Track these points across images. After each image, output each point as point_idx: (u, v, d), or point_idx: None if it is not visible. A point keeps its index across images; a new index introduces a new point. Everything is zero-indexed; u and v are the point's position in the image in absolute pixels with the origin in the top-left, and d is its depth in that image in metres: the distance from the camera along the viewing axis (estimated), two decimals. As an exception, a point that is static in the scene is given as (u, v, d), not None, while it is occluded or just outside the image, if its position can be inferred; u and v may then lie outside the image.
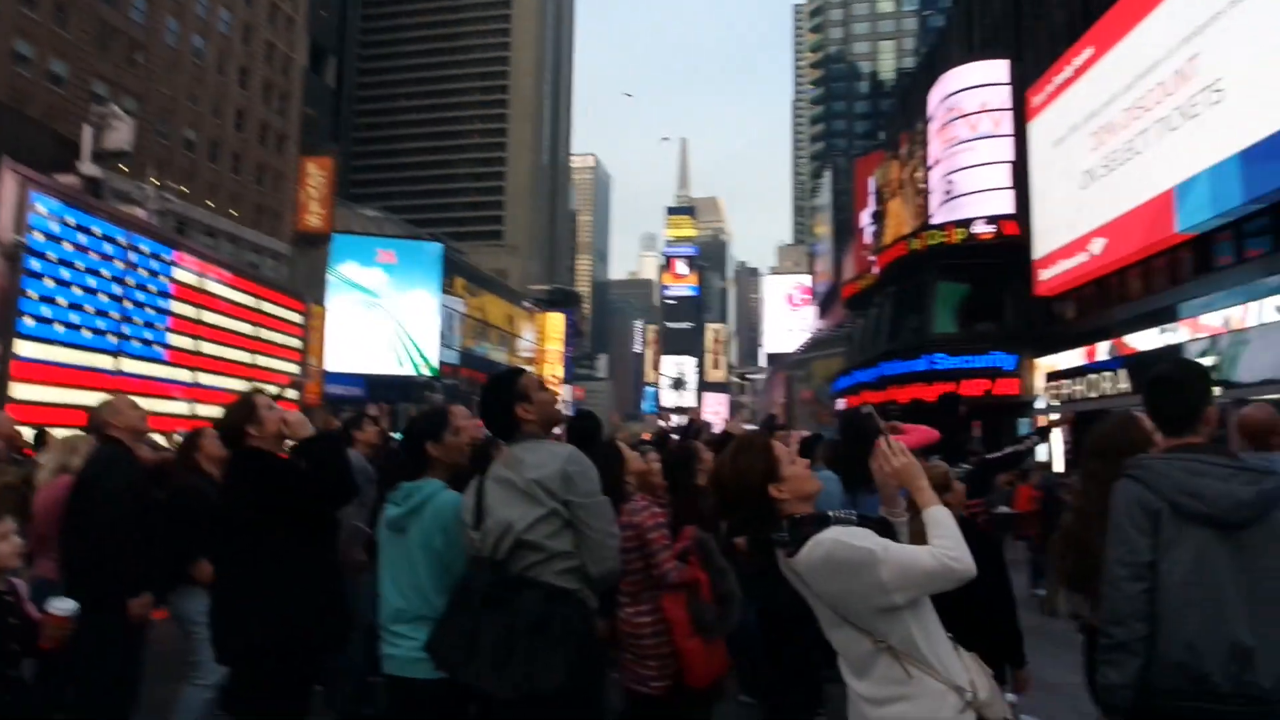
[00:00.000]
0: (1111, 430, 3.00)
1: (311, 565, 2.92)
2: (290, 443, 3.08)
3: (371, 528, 3.57)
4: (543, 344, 71.81)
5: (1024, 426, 22.83)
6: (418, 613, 2.70)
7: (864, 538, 1.84)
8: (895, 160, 33.70)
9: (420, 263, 47.95)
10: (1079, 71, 20.64)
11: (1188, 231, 16.39)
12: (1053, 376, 21.61)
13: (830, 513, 1.93)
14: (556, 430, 3.45)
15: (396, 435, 5.75)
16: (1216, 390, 12.71)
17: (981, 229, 24.92)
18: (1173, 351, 16.61)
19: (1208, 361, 15.53)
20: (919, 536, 1.90)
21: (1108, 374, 18.57)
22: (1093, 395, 18.70)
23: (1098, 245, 19.49)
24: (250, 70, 41.43)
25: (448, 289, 51.36)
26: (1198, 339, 15.97)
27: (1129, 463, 2.23)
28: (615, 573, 2.62)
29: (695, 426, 5.94)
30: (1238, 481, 2.06)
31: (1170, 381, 2.27)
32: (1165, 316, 17.21)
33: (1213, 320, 15.65)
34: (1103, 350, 19.45)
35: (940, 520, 1.87)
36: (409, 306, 46.48)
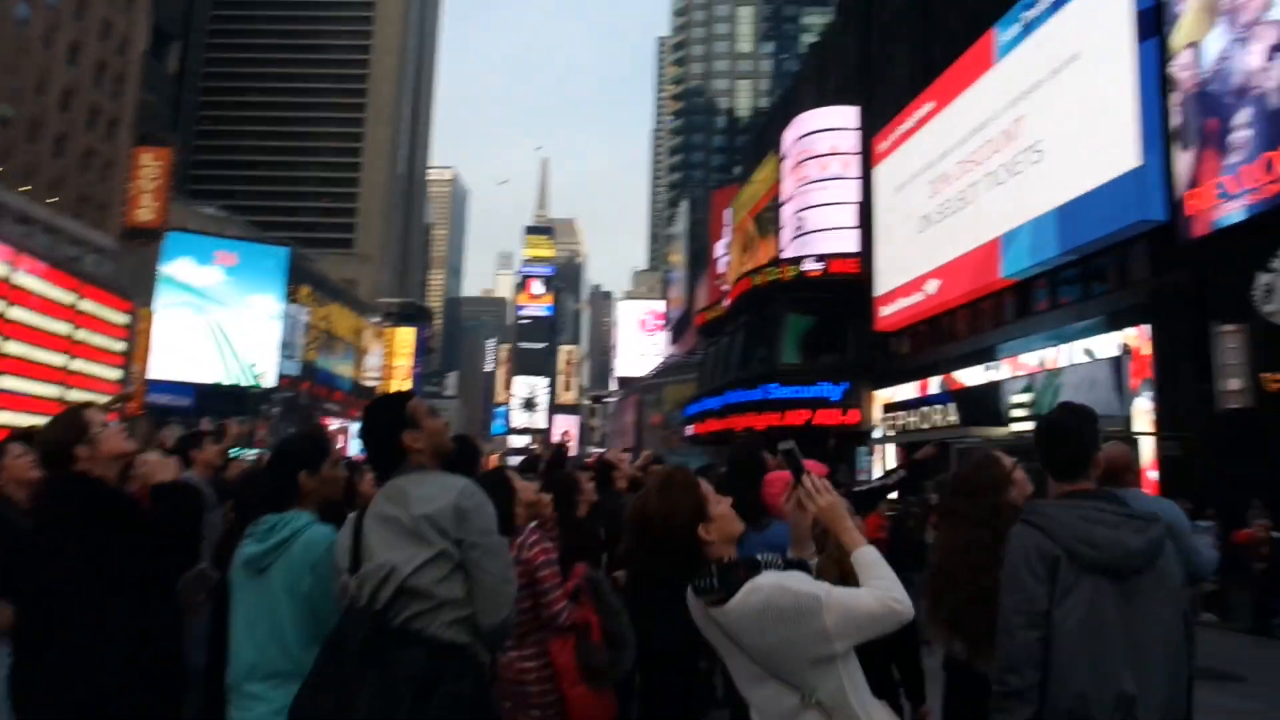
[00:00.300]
0: (973, 470, 3.05)
1: (142, 617, 2.49)
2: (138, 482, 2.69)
3: (216, 564, 3.16)
4: (391, 359, 69.57)
5: (863, 455, 24.03)
6: (277, 669, 2.34)
7: (804, 582, 1.74)
8: (751, 190, 34.88)
9: (263, 267, 45.57)
10: (920, 123, 22.09)
11: (1011, 277, 17.77)
12: (889, 408, 22.84)
13: (760, 556, 1.82)
14: None
15: (234, 453, 5.35)
16: (1030, 424, 13.76)
17: (810, 266, 26.42)
18: (995, 388, 17.93)
19: (1025, 397, 16.88)
20: (825, 578, 1.82)
21: (939, 407, 19.81)
22: (925, 427, 19.88)
23: (932, 286, 20.82)
24: (82, 47, 38.26)
25: (292, 297, 49.03)
26: (1017, 376, 17.30)
27: (1026, 508, 2.22)
28: (510, 624, 2.30)
29: (564, 450, 5.61)
30: (1127, 530, 2.08)
31: (1061, 428, 2.27)
32: (989, 355, 18.56)
33: (1030, 360, 16.99)
34: (935, 384, 20.74)
35: (874, 561, 1.79)
36: (248, 313, 44.03)
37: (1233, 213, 12.36)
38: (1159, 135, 13.93)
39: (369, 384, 64.74)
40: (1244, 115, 12.37)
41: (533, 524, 3.29)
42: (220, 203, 62.14)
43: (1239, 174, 12.28)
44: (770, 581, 1.75)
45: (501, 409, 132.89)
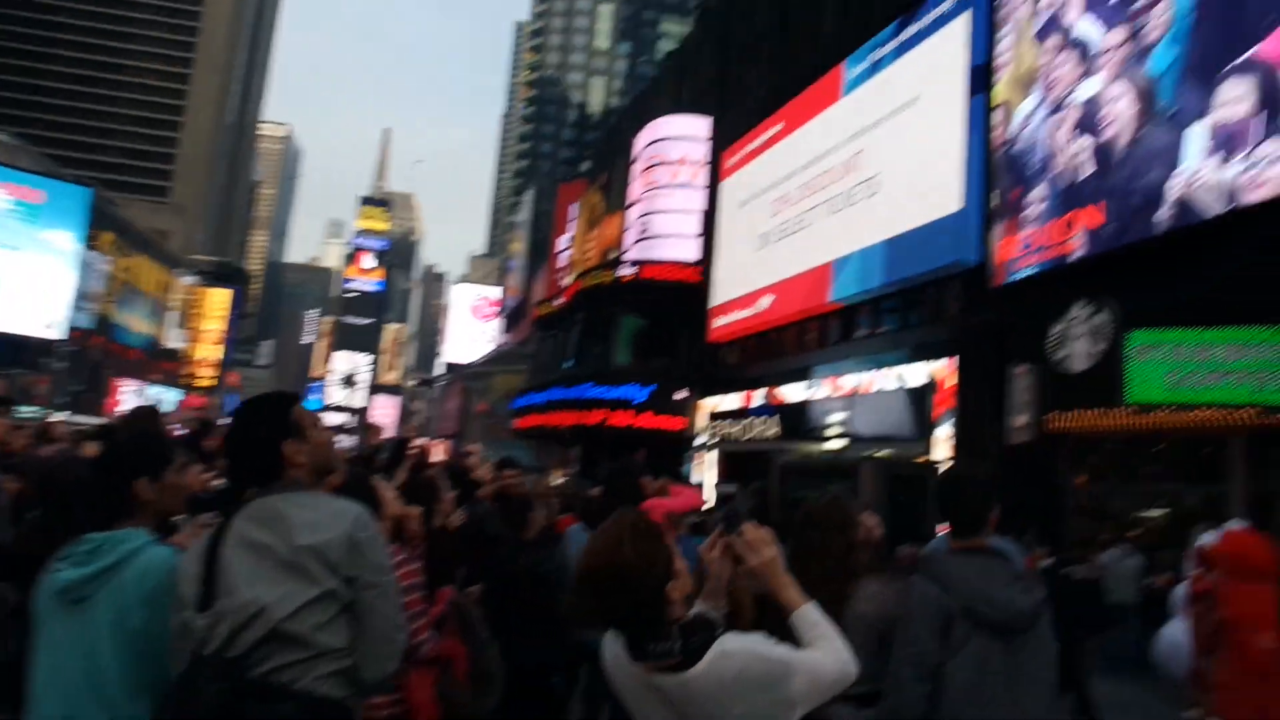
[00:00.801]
0: (825, 507, 3.05)
1: None
2: None
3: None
4: (201, 321, 64.77)
5: (689, 462, 24.56)
6: None
7: (770, 645, 1.61)
8: (598, 191, 34.98)
9: (60, 207, 41.21)
10: (768, 144, 22.85)
11: (838, 301, 18.67)
12: (715, 416, 23.47)
13: (707, 614, 1.68)
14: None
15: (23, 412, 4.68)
16: (843, 442, 14.51)
17: (626, 271, 27.29)
18: (815, 405, 18.78)
19: (841, 416, 17.77)
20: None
21: (762, 419, 20.55)
22: (747, 438, 20.57)
23: (765, 302, 21.58)
24: None
25: (91, 243, 44.64)
26: (835, 397, 18.20)
27: (924, 560, 2.27)
28: (391, 676, 1.98)
29: (422, 453, 5.01)
30: (1017, 589, 2.13)
31: (960, 484, 2.35)
32: (812, 374, 19.42)
33: (848, 381, 17.91)
34: (759, 397, 21.49)
35: (820, 620, 1.69)
36: (37, 256, 39.65)
37: (1025, 268, 13.49)
38: (979, 185, 15.00)
39: (172, 346, 59.99)
40: (1042, 182, 13.52)
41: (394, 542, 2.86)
42: (12, 129, 55.69)
43: (1032, 235, 13.42)
44: (741, 647, 1.60)
45: (318, 384, 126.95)
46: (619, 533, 1.64)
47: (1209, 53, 10.90)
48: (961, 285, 15.64)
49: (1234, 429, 10.46)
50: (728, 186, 25.10)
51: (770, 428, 19.95)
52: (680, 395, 24.95)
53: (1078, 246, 12.47)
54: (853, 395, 17.65)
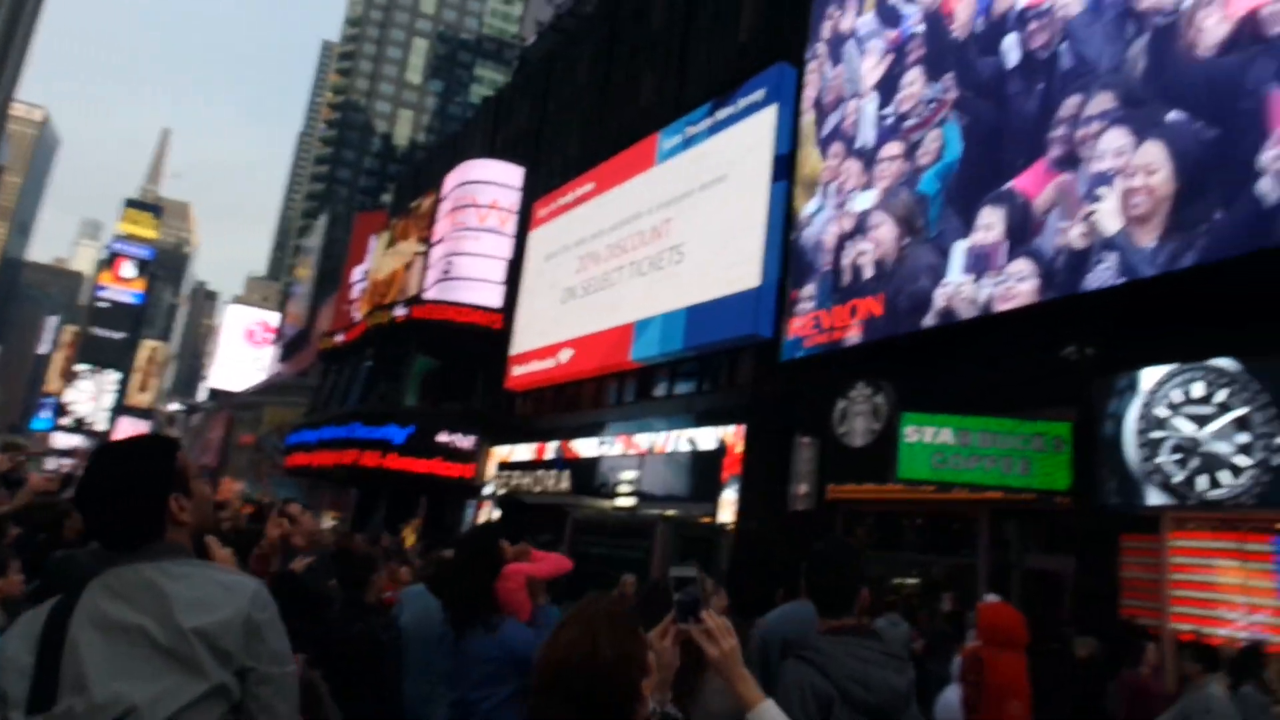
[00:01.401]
0: (662, 587, 2.98)
1: None
2: None
3: None
4: (-90, 316, 56.18)
5: (470, 510, 23.99)
6: None
7: None
8: (401, 224, 33.99)
9: None
10: (580, 200, 23.25)
11: (638, 361, 19.12)
12: (505, 466, 23.13)
13: (668, 711, 1.54)
14: None
15: None
16: (633, 500, 14.74)
17: (400, 312, 27.39)
18: (608, 462, 18.99)
19: (632, 474, 18.08)
20: None
21: (553, 473, 20.49)
22: (537, 490, 20.41)
23: (566, 355, 21.71)
24: None
25: None
26: (628, 455, 18.51)
27: (798, 643, 2.19)
28: None
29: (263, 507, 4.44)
30: (891, 670, 2.10)
31: (828, 561, 2.29)
32: (606, 430, 19.68)
33: (642, 440, 18.30)
34: (552, 450, 21.45)
35: (777, 717, 1.60)
36: None
37: (812, 347, 14.43)
38: (776, 264, 16.00)
39: None
40: (819, 274, 14.67)
41: None
42: None
43: (820, 316, 14.47)
44: None
45: (51, 399, 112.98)
46: (592, 625, 1.48)
47: (971, 182, 12.34)
48: (755, 356, 16.51)
49: (981, 507, 11.66)
50: (537, 237, 25.22)
51: (562, 482, 19.94)
52: (464, 442, 24.42)
53: (859, 332, 13.54)
54: (645, 455, 18.04)
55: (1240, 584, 8.94)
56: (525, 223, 26.21)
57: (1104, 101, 10.70)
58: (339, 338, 34.67)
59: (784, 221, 16.17)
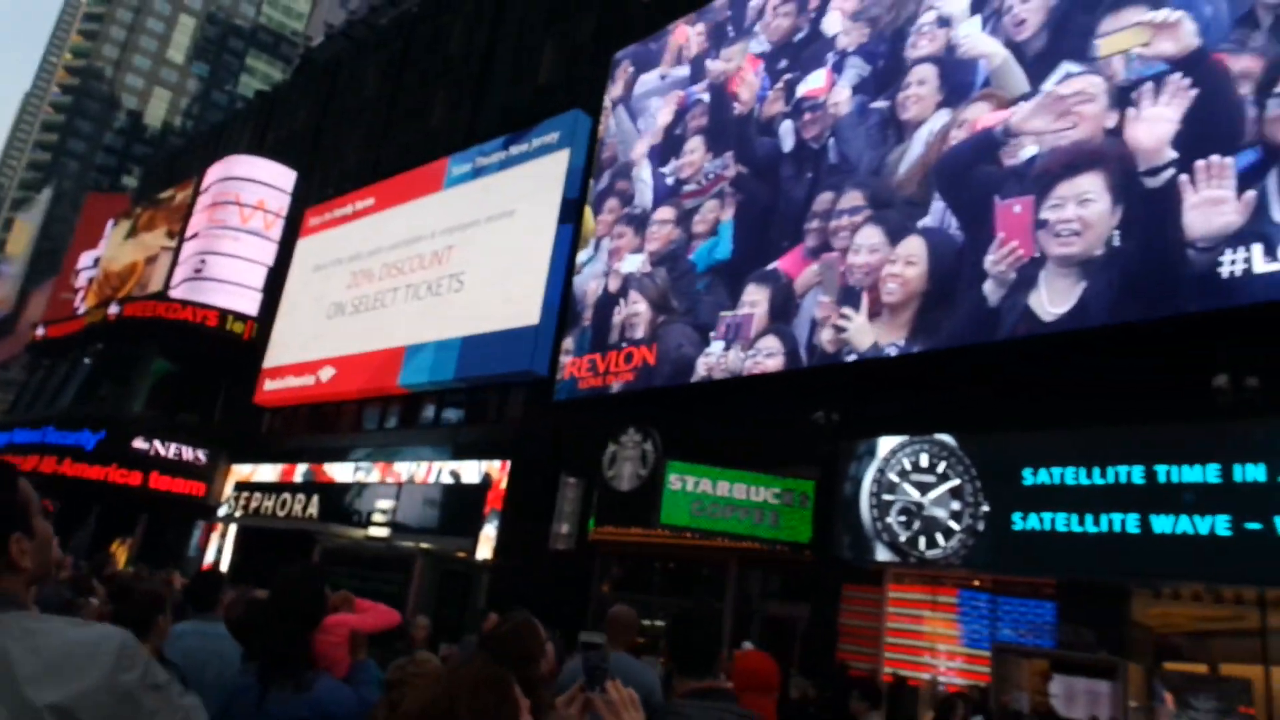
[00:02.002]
0: (512, 634, 2.73)
1: None
2: None
3: None
4: None
5: (196, 532, 21.94)
6: None
7: None
8: (146, 212, 30.85)
9: None
10: (358, 214, 22.33)
11: (406, 387, 18.53)
12: (243, 486, 21.42)
13: None
14: None
15: None
16: (387, 531, 14.20)
17: (113, 310, 25.24)
18: (364, 489, 18.14)
19: (388, 504, 17.40)
20: None
21: (300, 496, 19.23)
22: (281, 514, 19.06)
23: (327, 373, 20.60)
24: None
25: None
26: (387, 483, 17.80)
27: (665, 707, 2.18)
28: None
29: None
30: None
31: (692, 623, 2.29)
32: (365, 456, 18.83)
33: (403, 469, 17.68)
34: (300, 472, 20.16)
35: None
36: None
37: (586, 389, 14.71)
38: (557, 304, 16.22)
39: None
40: (580, 326, 15.12)
41: None
42: None
43: (582, 361, 14.82)
44: None
45: None
46: (453, 689, 1.38)
47: (740, 258, 13.20)
48: (528, 393, 16.55)
49: (731, 555, 12.38)
50: (306, 247, 23.87)
51: (310, 507, 18.77)
52: (191, 455, 22.38)
53: (631, 378, 14.02)
54: (404, 484, 17.44)
55: (939, 632, 10.14)
56: (294, 229, 24.73)
57: (855, 199, 11.92)
58: (55, 329, 30.61)
59: (568, 263, 16.46)
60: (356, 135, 25.39)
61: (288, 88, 32.23)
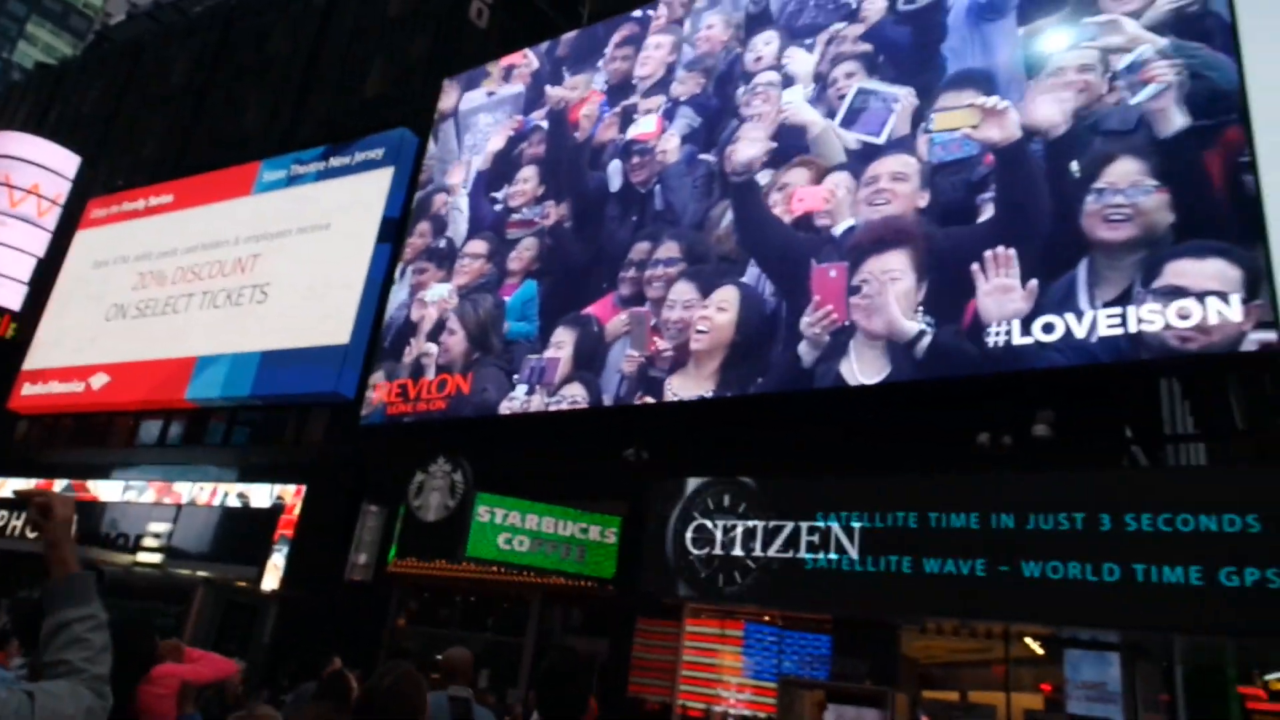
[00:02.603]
0: (393, 689, 2.48)
1: None
2: None
3: None
4: None
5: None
6: None
7: None
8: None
9: None
10: (152, 210, 20.69)
11: (194, 401, 17.23)
12: (-13, 501, 19.01)
13: None
14: None
15: None
16: (159, 556, 13.14)
17: None
18: (133, 509, 16.59)
19: (163, 527, 16.03)
20: None
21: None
22: (33, 536, 17.04)
23: (100, 381, 18.80)
24: None
25: None
26: (163, 504, 16.39)
27: None
28: None
29: None
30: None
31: (562, 673, 2.31)
32: (138, 473, 17.27)
33: (184, 490, 16.34)
34: (58, 488, 18.16)
35: None
36: None
37: (384, 416, 14.37)
38: (369, 326, 15.71)
39: None
40: (406, 343, 14.83)
41: None
42: None
43: (392, 385, 14.49)
44: None
45: None
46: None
47: (554, 297, 13.41)
48: (330, 415, 15.86)
49: (535, 590, 12.38)
50: (87, 240, 21.78)
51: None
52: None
53: (443, 406, 13.80)
54: (185, 506, 16.13)
55: (728, 665, 10.62)
56: (73, 220, 22.51)
57: (671, 250, 12.41)
58: None
59: (383, 284, 16.02)
60: (157, 125, 23.57)
61: (78, 65, 29.45)
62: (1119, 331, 8.59)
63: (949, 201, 10.20)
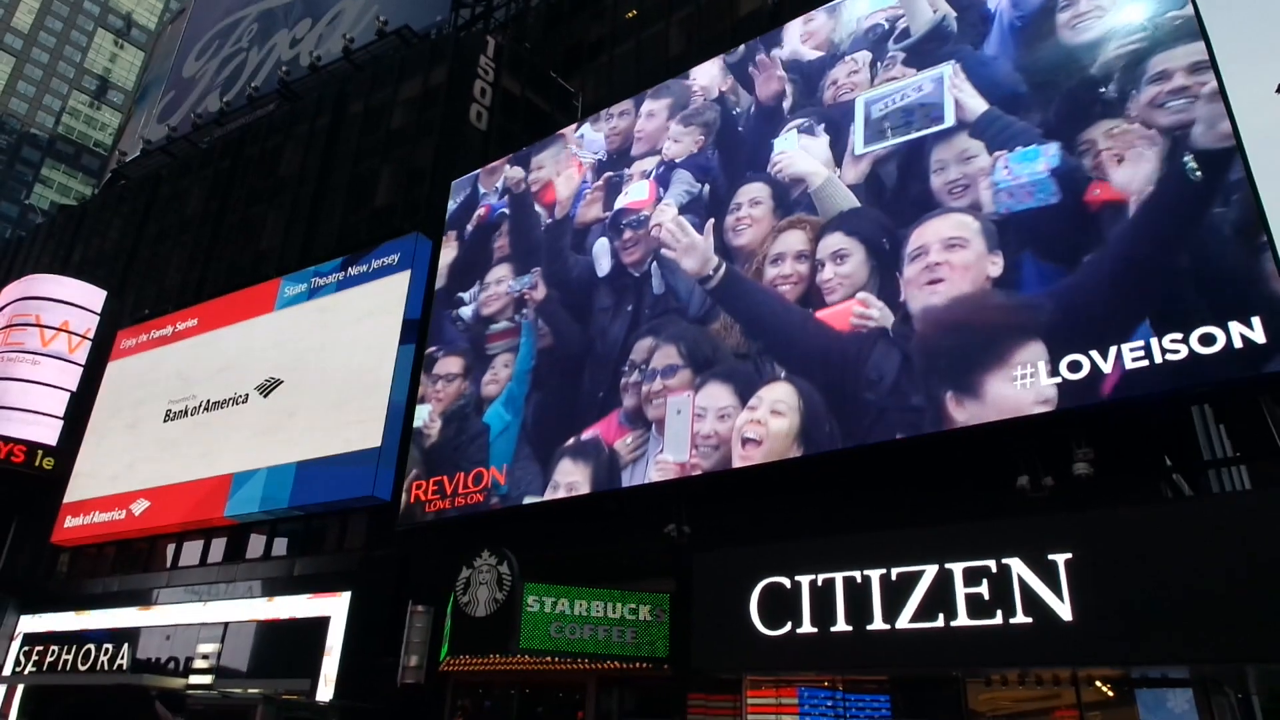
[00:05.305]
0: None
1: None
2: None
3: None
4: None
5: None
6: None
7: None
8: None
9: None
10: (180, 335, 21.23)
11: (234, 518, 17.39)
12: (34, 639, 19.08)
13: None
14: None
15: None
16: (210, 677, 13.01)
17: None
18: (183, 631, 16.63)
19: (211, 648, 15.99)
20: None
21: (108, 646, 17.35)
22: (84, 667, 17.08)
23: (140, 506, 19.05)
24: None
25: None
26: (209, 624, 16.38)
27: None
28: None
29: None
30: None
31: None
32: (190, 595, 17.36)
33: (228, 609, 16.33)
34: (105, 619, 18.26)
35: None
36: None
37: (432, 513, 14.37)
38: (400, 425, 15.93)
39: None
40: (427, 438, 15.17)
41: None
42: None
43: (429, 484, 14.60)
44: None
45: None
46: None
47: (547, 422, 13.56)
48: (369, 519, 15.97)
49: (590, 676, 12.28)
50: (119, 370, 22.31)
51: (119, 657, 16.95)
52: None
53: (481, 499, 13.89)
54: (231, 624, 16.17)
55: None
56: (103, 352, 23.09)
57: (670, 356, 12.25)
58: None
59: (410, 384, 16.30)
60: (178, 254, 24.34)
61: (97, 203, 30.57)
62: (1143, 364, 8.70)
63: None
